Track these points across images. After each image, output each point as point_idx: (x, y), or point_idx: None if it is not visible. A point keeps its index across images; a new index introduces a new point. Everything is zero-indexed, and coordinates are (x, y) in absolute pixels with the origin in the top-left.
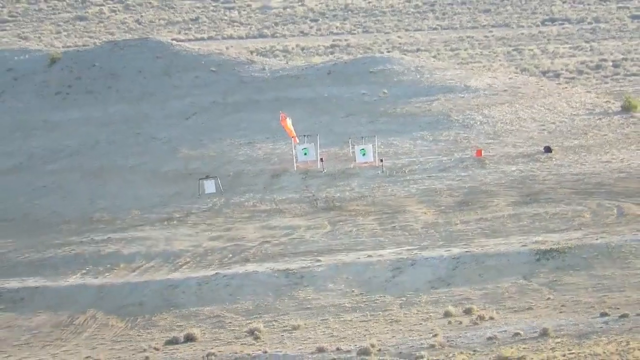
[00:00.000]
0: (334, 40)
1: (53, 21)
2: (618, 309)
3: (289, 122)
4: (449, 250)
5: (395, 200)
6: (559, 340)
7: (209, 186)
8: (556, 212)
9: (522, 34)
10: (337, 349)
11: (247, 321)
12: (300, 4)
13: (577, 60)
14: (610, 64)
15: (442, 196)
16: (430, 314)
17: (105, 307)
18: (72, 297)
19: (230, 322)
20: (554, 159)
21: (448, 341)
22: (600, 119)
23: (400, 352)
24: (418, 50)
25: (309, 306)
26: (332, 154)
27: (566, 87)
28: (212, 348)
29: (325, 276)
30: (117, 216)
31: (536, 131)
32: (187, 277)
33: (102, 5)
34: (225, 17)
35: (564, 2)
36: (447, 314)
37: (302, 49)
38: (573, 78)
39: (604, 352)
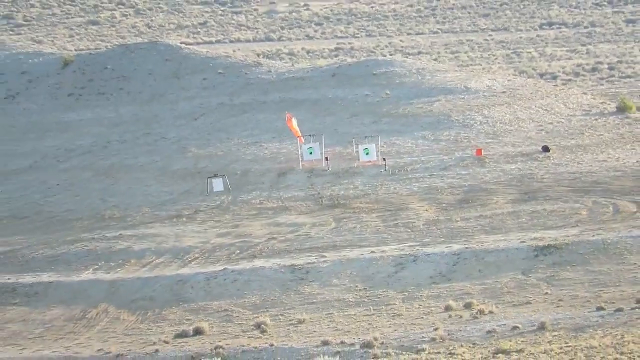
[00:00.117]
0: (338, 44)
1: (66, 25)
2: (613, 303)
3: (294, 122)
4: (450, 246)
5: (398, 198)
6: (556, 333)
7: (217, 184)
8: (554, 209)
9: (521, 37)
10: (341, 342)
11: (254, 315)
12: (305, 8)
13: (573, 63)
14: (606, 66)
15: (443, 194)
16: (432, 308)
17: (116, 301)
18: (84, 291)
19: (237, 316)
20: (551, 158)
21: (449, 334)
22: (596, 119)
23: (403, 345)
24: (419, 53)
25: (314, 301)
26: (337, 153)
27: (563, 89)
28: (220, 341)
29: (329, 272)
30: (127, 213)
31: (534, 131)
32: (195, 272)
33: (114, 10)
34: (233, 21)
35: (561, 7)
36: (447, 308)
37: (307, 52)
38: (570, 80)
39: (600, 345)
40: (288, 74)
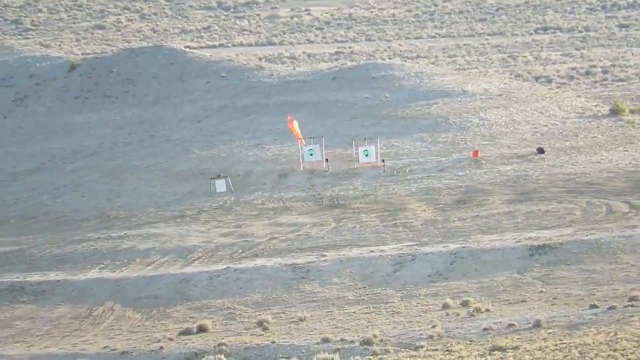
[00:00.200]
0: (338, 48)
1: (73, 30)
2: (606, 301)
3: (295, 124)
4: (447, 246)
5: (397, 199)
6: (551, 331)
7: (220, 185)
8: (548, 209)
9: (516, 41)
10: (342, 339)
11: (256, 313)
12: (306, 13)
13: (568, 67)
14: (599, 70)
15: (441, 195)
16: (430, 306)
17: (122, 299)
18: (90, 290)
19: (240, 314)
20: (546, 160)
21: (446, 332)
22: (589, 122)
23: (401, 343)
24: (418, 57)
25: (314, 299)
26: (337, 154)
27: (558, 92)
28: (223, 338)
29: (330, 270)
30: (133, 213)
31: (529, 133)
32: (199, 271)
33: (120, 14)
34: (236, 26)
35: (555, 12)
36: (445, 306)
37: (309, 55)
38: (564, 83)
39: (593, 342)
40: (289, 78)
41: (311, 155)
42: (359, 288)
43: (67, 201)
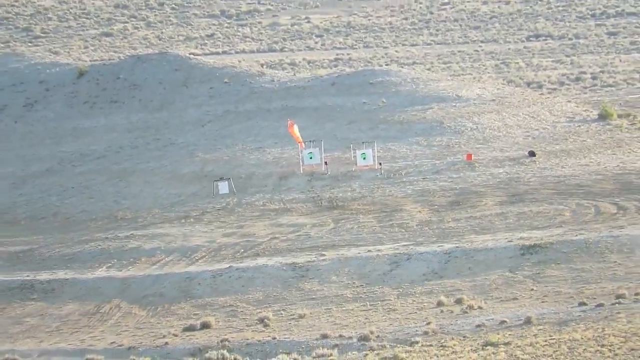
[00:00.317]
0: (337, 55)
1: (81, 37)
2: (595, 299)
3: (296, 128)
4: (442, 245)
5: (393, 200)
6: (541, 327)
7: (223, 187)
8: (539, 210)
9: (509, 48)
10: (340, 335)
11: (258, 310)
12: (306, 21)
13: (558, 73)
14: (589, 76)
15: (436, 196)
16: (425, 304)
17: (128, 297)
18: (98, 288)
19: (242, 311)
20: (537, 163)
21: (440, 328)
22: (579, 126)
23: (397, 339)
24: (414, 63)
25: (314, 297)
26: (336, 157)
27: (548, 97)
28: (225, 335)
29: (328, 269)
30: (139, 214)
31: (521, 137)
32: (202, 270)
33: (126, 22)
34: (238, 33)
35: (546, 20)
36: (439, 304)
37: (308, 62)
38: (555, 89)
39: (582, 338)
40: (290, 83)
41: (311, 158)
42: (357, 286)
43: (75, 203)
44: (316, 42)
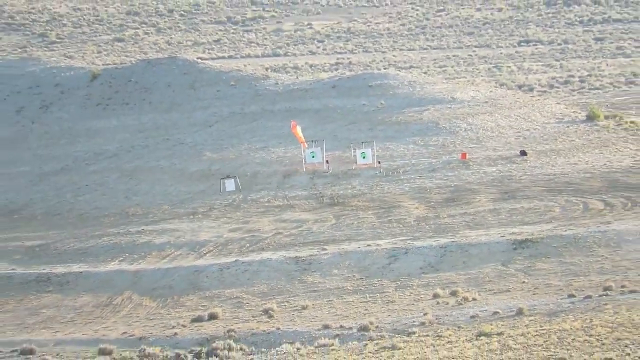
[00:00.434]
0: (338, 59)
1: (95, 42)
2: (583, 291)
3: (298, 129)
4: (438, 240)
5: (391, 197)
6: (532, 318)
7: (229, 185)
8: (530, 207)
9: (501, 53)
10: (341, 326)
11: (263, 302)
12: (309, 27)
13: (548, 76)
14: (577, 79)
15: (432, 193)
16: (421, 296)
17: (139, 289)
18: (111, 281)
19: (247, 303)
20: (528, 161)
21: (436, 319)
22: (568, 126)
23: (395, 329)
24: (411, 67)
25: (316, 289)
26: (337, 156)
27: (539, 99)
28: (232, 325)
29: (330, 263)
30: (149, 210)
31: (513, 137)
32: (210, 263)
33: (137, 28)
34: (244, 39)
35: (537, 26)
36: (435, 296)
37: (310, 66)
38: (545, 91)
39: (571, 328)
40: (293, 86)
41: (313, 157)
42: (357, 279)
43: (89, 199)
44: (318, 47)
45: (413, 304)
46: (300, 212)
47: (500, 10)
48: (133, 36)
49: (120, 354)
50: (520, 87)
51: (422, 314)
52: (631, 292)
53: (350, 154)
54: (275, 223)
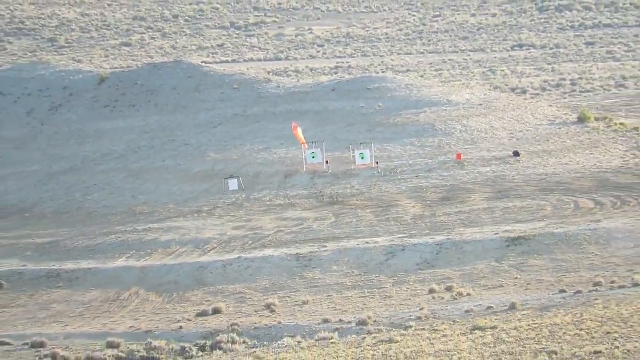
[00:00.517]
0: (337, 63)
1: (102, 47)
2: (573, 286)
3: (299, 130)
4: (433, 237)
5: (389, 196)
6: (524, 312)
7: (232, 184)
8: (523, 205)
9: (495, 57)
10: (340, 320)
11: (265, 297)
12: (309, 32)
13: (540, 79)
14: (568, 82)
15: (428, 192)
16: (418, 291)
17: (145, 285)
18: (118, 276)
19: (250, 298)
20: (521, 162)
21: (432, 313)
22: (559, 128)
23: (392, 323)
24: (408, 70)
25: (316, 284)
26: (336, 157)
27: (531, 102)
28: (235, 319)
29: (329, 259)
30: (155, 209)
31: (506, 138)
32: (214, 260)
33: (144, 33)
34: (246, 43)
35: (530, 31)
36: (431, 291)
37: (311, 69)
38: (537, 94)
39: (562, 322)
40: (294, 89)
41: (313, 157)
42: (355, 275)
43: (97, 198)
44: (318, 51)
45: (409, 299)
46: (300, 211)
47: (494, 15)
48: (139, 41)
49: (128, 347)
50: (513, 89)
51: (418, 308)
52: (620, 287)
53: (349, 154)
54: (276, 221)
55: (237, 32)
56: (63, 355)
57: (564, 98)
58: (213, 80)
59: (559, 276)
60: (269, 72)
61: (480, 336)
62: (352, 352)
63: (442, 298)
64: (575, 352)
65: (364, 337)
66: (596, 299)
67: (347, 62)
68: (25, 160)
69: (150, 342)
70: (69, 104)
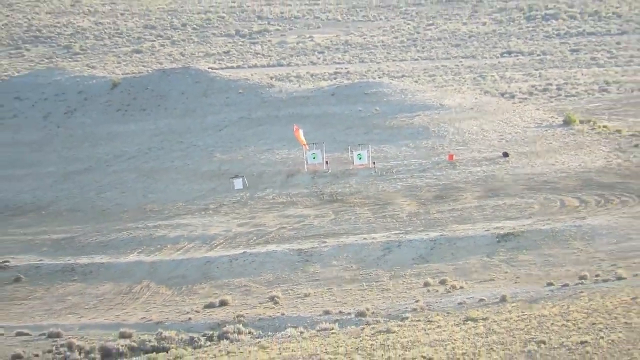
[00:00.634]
0: (336, 69)
1: (115, 53)
2: (560, 280)
3: (301, 133)
4: (428, 234)
5: (385, 195)
6: (514, 304)
7: (238, 183)
8: (512, 204)
9: (485, 63)
10: (340, 312)
11: (268, 290)
12: (310, 39)
13: (528, 84)
14: (555, 87)
15: (422, 191)
16: (413, 284)
17: (156, 278)
18: (130, 271)
19: (255, 291)
20: (510, 162)
21: (427, 305)
22: (546, 130)
23: (390, 314)
24: (403, 76)
25: (317, 278)
26: (335, 158)
27: (520, 106)
28: (241, 311)
29: (329, 255)
30: (165, 207)
31: (496, 140)
32: (220, 255)
33: (154, 41)
34: (251, 50)
35: (518, 39)
36: (426, 284)
37: (312, 75)
38: (525, 98)
39: (550, 314)
40: (296, 94)
41: (314, 158)
42: (354, 269)
43: (110, 197)
44: (318, 58)
45: (406, 292)
46: (302, 208)
47: (484, 24)
48: (150, 48)
49: (139, 337)
50: (502, 94)
51: (414, 301)
52: (604, 280)
53: (348, 155)
54: (279, 218)
55: (242, 39)
56: (78, 345)
57: (551, 102)
58: (219, 85)
59: (547, 270)
60: (272, 78)
61: (473, 327)
62: (352, 342)
63: (437, 291)
64: (562, 342)
65: (363, 328)
66: (582, 292)
67: (345, 68)
68: (42, 161)
69: (161, 333)
70: (83, 108)
